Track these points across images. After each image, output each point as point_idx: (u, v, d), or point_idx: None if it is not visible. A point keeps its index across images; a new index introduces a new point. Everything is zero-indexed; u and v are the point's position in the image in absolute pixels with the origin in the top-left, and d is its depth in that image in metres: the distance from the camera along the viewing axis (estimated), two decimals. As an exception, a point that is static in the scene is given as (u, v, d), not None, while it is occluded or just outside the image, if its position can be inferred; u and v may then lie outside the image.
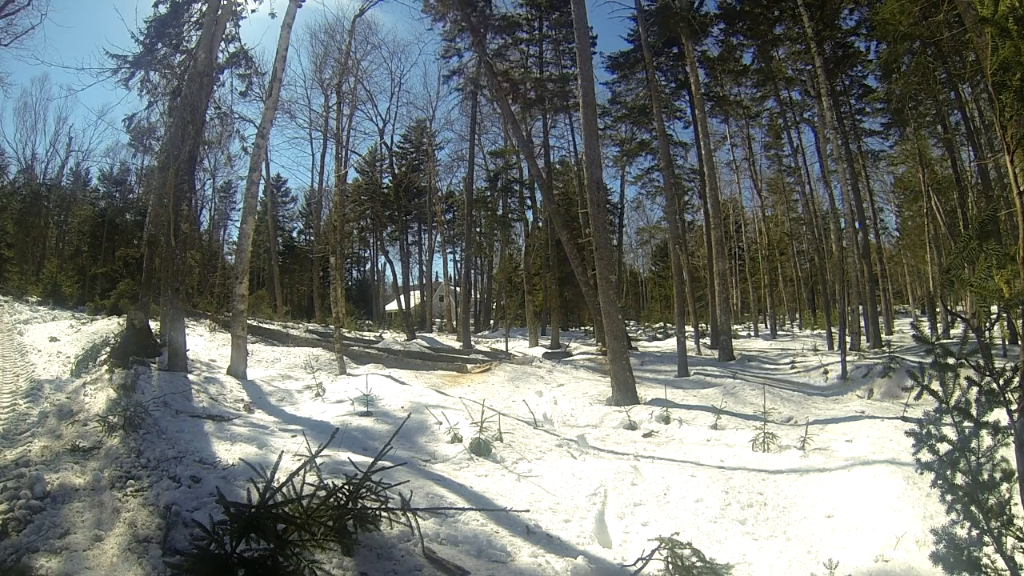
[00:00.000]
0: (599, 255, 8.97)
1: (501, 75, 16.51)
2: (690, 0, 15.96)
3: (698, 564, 2.77)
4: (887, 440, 5.41)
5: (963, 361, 2.01)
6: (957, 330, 16.42)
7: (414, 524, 3.08)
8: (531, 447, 5.64)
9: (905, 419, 2.30)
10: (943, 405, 1.99)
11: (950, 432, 1.99)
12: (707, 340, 18.60)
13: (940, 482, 1.98)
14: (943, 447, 1.99)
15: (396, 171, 27.89)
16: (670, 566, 2.81)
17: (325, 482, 3.12)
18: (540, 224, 24.67)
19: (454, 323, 24.90)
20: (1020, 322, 2.03)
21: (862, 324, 14.93)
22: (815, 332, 22.64)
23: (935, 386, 2.04)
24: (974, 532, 1.91)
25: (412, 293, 31.56)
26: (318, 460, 3.14)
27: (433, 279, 34.84)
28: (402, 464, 3.87)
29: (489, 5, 16.91)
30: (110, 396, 5.45)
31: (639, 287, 41.39)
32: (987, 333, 2.05)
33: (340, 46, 18.01)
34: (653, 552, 2.99)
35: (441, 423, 5.97)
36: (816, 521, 3.82)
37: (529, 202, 24.13)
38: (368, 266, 39.45)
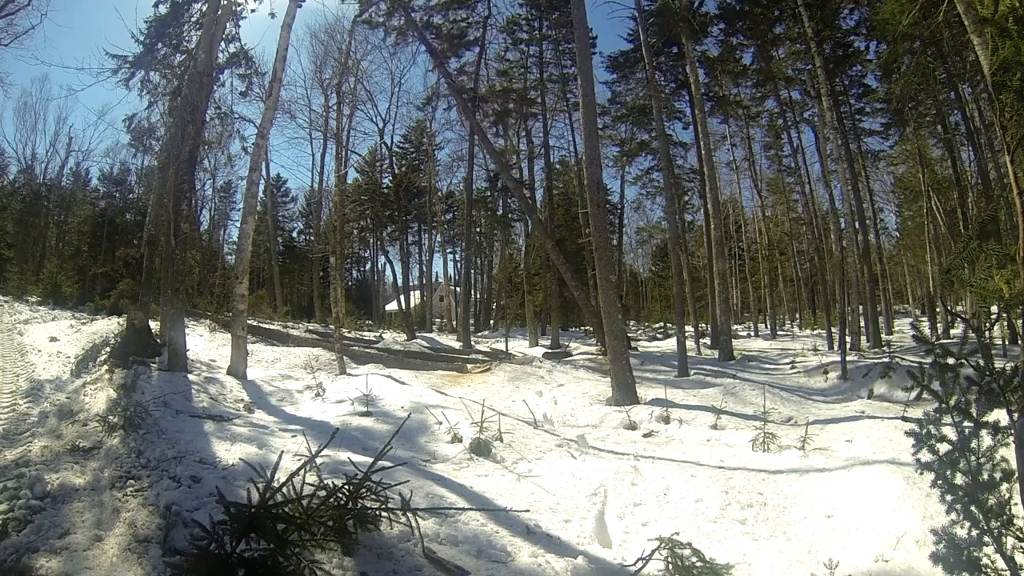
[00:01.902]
0: (599, 255, 8.97)
1: (470, 93, 16.51)
2: (690, 0, 15.96)
3: (698, 564, 2.77)
4: (887, 440, 5.41)
5: (963, 361, 2.01)
6: (957, 330, 16.44)
7: (414, 524, 3.08)
8: (531, 447, 5.64)
9: (905, 419, 2.30)
10: (943, 405, 1.99)
11: (950, 432, 1.99)
12: (707, 340, 18.60)
13: (940, 482, 1.98)
14: (943, 447, 1.99)
15: (396, 171, 27.89)
16: (670, 566, 2.81)
17: (325, 482, 3.12)
18: (540, 224, 24.66)
19: (454, 323, 24.91)
20: (1020, 322, 2.03)
21: (862, 324, 14.94)
22: (815, 332, 22.64)
23: (935, 386, 2.04)
24: (974, 532, 1.92)
25: (412, 293, 31.56)
26: (318, 460, 3.14)
27: (433, 279, 34.86)
28: (402, 464, 3.87)
29: (433, 24, 16.34)
30: (110, 396, 5.45)
31: (639, 287, 41.38)
32: (987, 333, 2.05)
33: (340, 46, 17.98)
34: (653, 552, 2.99)
35: (441, 423, 5.97)
36: (816, 521, 3.82)
37: (529, 202, 24.13)
38: (368, 266, 39.47)
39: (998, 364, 1.98)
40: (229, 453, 4.27)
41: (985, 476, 1.92)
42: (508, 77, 20.54)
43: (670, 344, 17.21)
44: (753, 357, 14.44)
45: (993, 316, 2.16)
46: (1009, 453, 1.96)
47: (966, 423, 1.96)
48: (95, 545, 2.81)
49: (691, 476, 4.64)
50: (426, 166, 28.11)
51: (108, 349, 7.96)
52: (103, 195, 29.76)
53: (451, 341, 19.68)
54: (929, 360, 2.07)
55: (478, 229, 29.19)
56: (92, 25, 41.18)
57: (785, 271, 28.23)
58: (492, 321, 30.90)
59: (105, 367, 6.92)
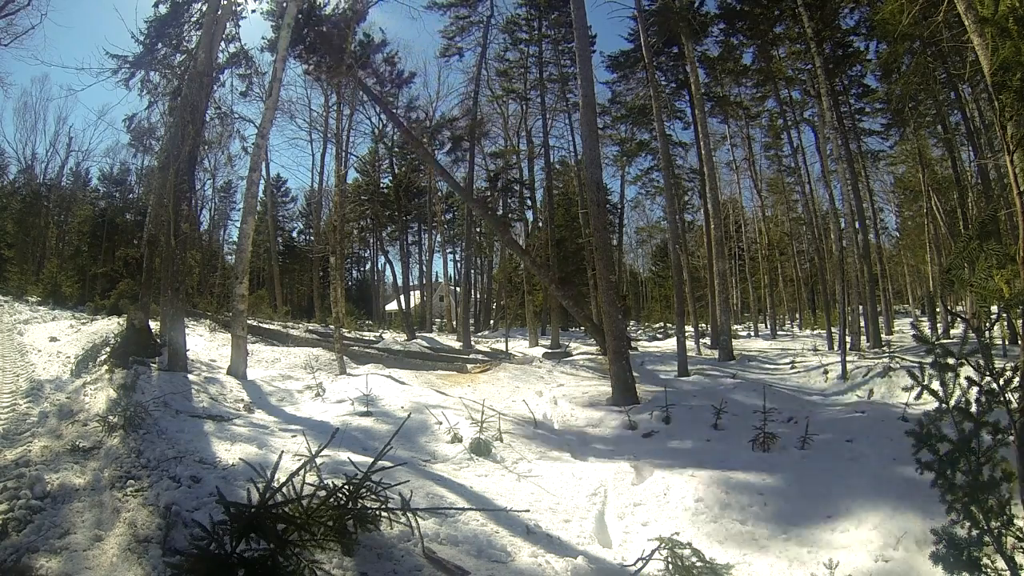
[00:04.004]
0: (599, 255, 8.97)
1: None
2: (690, 0, 15.95)
3: (698, 564, 2.77)
4: (887, 440, 5.40)
5: (963, 361, 2.01)
6: (957, 330, 16.42)
7: (414, 524, 3.08)
8: (531, 447, 5.64)
9: (905, 419, 2.30)
10: (943, 405, 1.99)
11: (950, 432, 1.99)
12: (707, 340, 18.59)
13: (940, 482, 1.98)
14: (943, 447, 1.99)
15: (396, 171, 27.86)
16: (670, 566, 2.81)
17: (325, 482, 3.12)
18: (540, 224, 24.67)
19: (454, 323, 24.91)
20: (1020, 322, 2.04)
21: (862, 324, 14.92)
22: (815, 332, 22.62)
23: (935, 386, 2.04)
24: (974, 532, 1.92)
25: (412, 293, 31.54)
26: (318, 460, 3.14)
27: (433, 279, 34.85)
28: (402, 464, 3.87)
29: (370, 64, 14.87)
30: (110, 396, 5.45)
31: (639, 287, 41.37)
32: (987, 333, 2.05)
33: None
34: (653, 552, 3.00)
35: (441, 423, 5.97)
36: (816, 521, 3.82)
37: (529, 202, 24.15)
38: (368, 266, 39.46)
39: (998, 364, 1.98)
40: (229, 453, 4.27)
41: (985, 476, 1.92)
42: (508, 77, 20.56)
43: (670, 344, 17.20)
44: (753, 357, 14.42)
45: (993, 316, 2.16)
46: (1009, 453, 1.96)
47: (966, 423, 1.96)
48: (95, 545, 2.81)
49: (691, 476, 4.64)
50: (426, 166, 28.07)
51: (108, 349, 7.96)
52: (103, 195, 29.68)
53: (451, 341, 19.68)
54: (929, 360, 2.07)
55: (478, 229, 29.13)
56: (92, 25, 41.21)
57: (785, 271, 28.22)
58: (492, 321, 30.89)
59: (105, 367, 6.92)
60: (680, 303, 12.93)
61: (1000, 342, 9.26)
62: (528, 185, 23.10)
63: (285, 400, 7.39)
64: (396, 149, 27.34)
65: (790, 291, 29.03)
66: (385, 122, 24.20)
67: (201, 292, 24.32)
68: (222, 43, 10.30)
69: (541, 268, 14.16)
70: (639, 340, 20.88)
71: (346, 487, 2.94)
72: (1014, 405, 1.93)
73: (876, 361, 9.94)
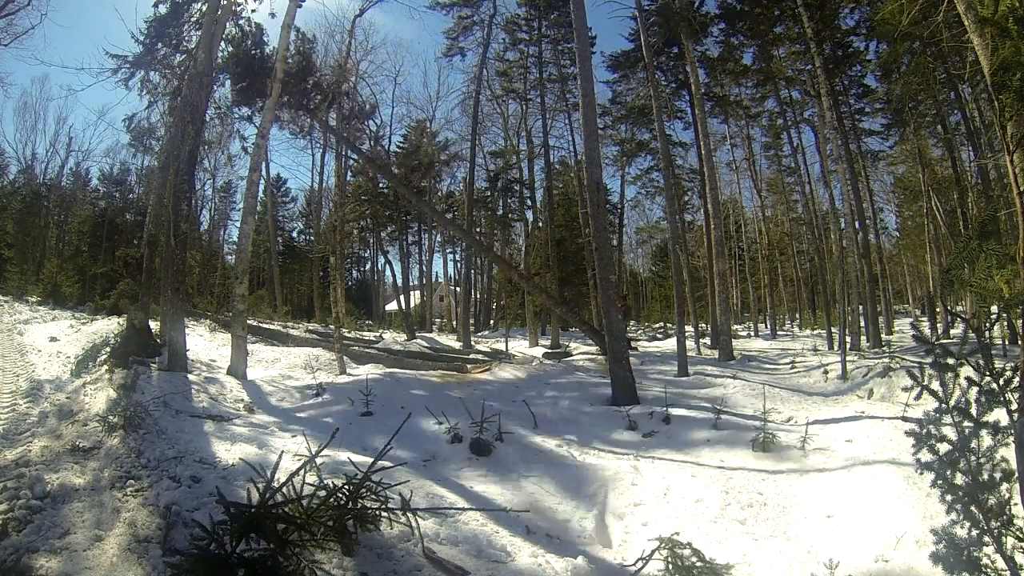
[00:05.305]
0: (599, 255, 8.97)
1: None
2: (690, 0, 15.95)
3: (698, 564, 2.77)
4: (887, 440, 5.40)
5: (963, 361, 2.01)
6: (957, 330, 16.42)
7: (414, 524, 3.08)
8: (531, 447, 5.64)
9: (905, 419, 2.30)
10: (943, 405, 1.99)
11: (950, 432, 1.99)
12: (707, 340, 18.59)
13: (940, 482, 1.98)
14: (943, 447, 1.99)
15: (396, 171, 27.83)
16: (670, 566, 2.81)
17: (325, 482, 3.12)
18: (540, 224, 24.67)
19: (454, 323, 24.92)
20: (1020, 322, 2.03)
21: (862, 324, 14.91)
22: (815, 332, 22.61)
23: (935, 386, 2.04)
24: (974, 532, 1.92)
25: (412, 293, 31.55)
26: (318, 460, 3.14)
27: (433, 279, 34.86)
28: (402, 464, 3.87)
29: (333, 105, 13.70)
30: (110, 396, 5.45)
31: (639, 287, 41.36)
32: (987, 333, 2.05)
33: (340, 47, 18.01)
34: (653, 552, 3.00)
35: (441, 423, 5.97)
36: (816, 521, 3.82)
37: (529, 202, 24.14)
38: (368, 266, 39.42)
39: (998, 364, 1.98)
40: (229, 453, 4.27)
41: (985, 476, 1.92)
42: (508, 77, 20.56)
43: (670, 344, 17.19)
44: (753, 357, 14.42)
45: (993, 316, 2.16)
46: (1009, 453, 1.96)
47: (966, 423, 1.96)
48: (95, 545, 2.81)
49: (691, 476, 4.64)
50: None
51: (108, 349, 7.95)
52: (103, 195, 29.65)
53: (451, 341, 19.68)
54: (929, 360, 2.07)
55: (478, 229, 29.14)
56: (92, 25, 41.09)
57: (785, 271, 28.21)
58: (492, 321, 30.90)
59: (105, 367, 6.91)
60: (680, 303, 12.93)
61: (1000, 342, 9.25)
62: (528, 185, 23.09)
63: (285, 400, 7.39)
64: (397, 149, 27.37)
65: (790, 291, 29.02)
66: (378, 126, 24.29)
67: (201, 292, 24.33)
68: (222, 43, 10.29)
69: (529, 281, 14.19)
70: (639, 340, 20.87)
71: (346, 487, 2.94)
72: (1014, 405, 1.93)
73: (876, 361, 9.93)
